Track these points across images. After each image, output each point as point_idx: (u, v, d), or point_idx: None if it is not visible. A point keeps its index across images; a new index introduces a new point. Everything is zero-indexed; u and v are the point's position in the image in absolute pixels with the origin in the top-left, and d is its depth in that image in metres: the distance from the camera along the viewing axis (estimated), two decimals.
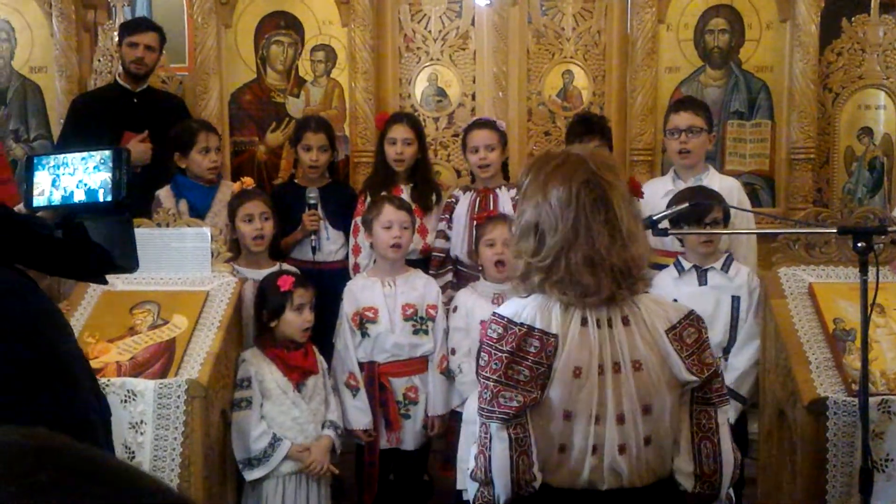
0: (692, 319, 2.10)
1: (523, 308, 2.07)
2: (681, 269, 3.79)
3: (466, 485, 3.48)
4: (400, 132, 4.43)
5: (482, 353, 2.07)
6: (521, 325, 2.03)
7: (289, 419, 3.62)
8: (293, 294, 3.65)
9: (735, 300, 3.69)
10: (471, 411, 3.56)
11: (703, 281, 3.75)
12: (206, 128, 4.50)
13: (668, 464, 2.11)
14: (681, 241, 3.85)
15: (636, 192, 3.84)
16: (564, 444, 2.04)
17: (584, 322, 2.04)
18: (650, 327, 2.07)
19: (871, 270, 2.68)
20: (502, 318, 2.07)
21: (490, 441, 2.03)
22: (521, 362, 2.01)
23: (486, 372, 2.04)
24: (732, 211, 3.76)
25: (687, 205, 3.53)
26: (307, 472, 3.62)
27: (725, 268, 3.74)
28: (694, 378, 2.05)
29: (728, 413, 2.16)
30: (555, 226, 2.04)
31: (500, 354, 2.02)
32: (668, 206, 3.65)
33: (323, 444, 3.67)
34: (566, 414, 2.02)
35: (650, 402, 2.05)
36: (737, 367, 3.65)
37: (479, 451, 2.06)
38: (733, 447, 2.13)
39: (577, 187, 2.04)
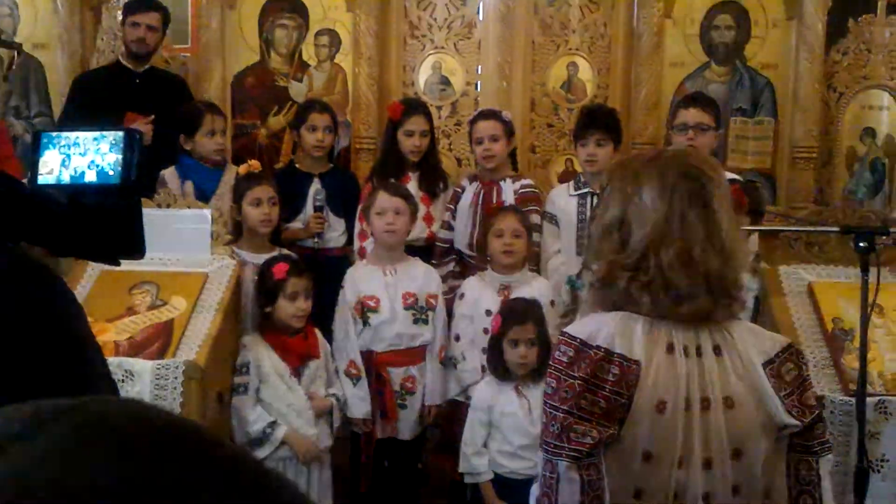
0: (792, 353, 1.84)
1: (599, 328, 1.79)
2: None
3: (468, 468, 3.52)
4: (418, 124, 4.42)
5: (549, 379, 1.81)
6: (598, 348, 1.76)
7: (284, 405, 3.62)
8: (286, 282, 3.65)
9: (757, 302, 3.64)
10: (479, 398, 3.58)
11: None
12: (213, 110, 4.49)
13: None
14: None
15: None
16: (641, 488, 1.77)
17: (669, 349, 1.78)
18: (745, 360, 1.80)
19: (872, 271, 2.68)
20: (574, 338, 1.79)
21: (557, 483, 1.76)
22: (597, 392, 1.74)
23: (555, 401, 1.76)
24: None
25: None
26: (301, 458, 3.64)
27: (752, 269, 3.71)
28: (794, 422, 1.78)
29: (830, 463, 1.88)
30: (645, 217, 1.79)
31: (571, 381, 1.75)
32: None
33: (324, 403, 3.70)
34: (646, 455, 1.75)
35: (742, 447, 1.78)
36: None
37: (543, 493, 1.79)
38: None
39: (674, 178, 1.81)
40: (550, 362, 1.82)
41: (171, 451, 0.50)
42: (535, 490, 1.86)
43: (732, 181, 3.86)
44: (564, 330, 1.86)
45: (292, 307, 3.65)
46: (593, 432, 1.72)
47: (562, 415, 1.74)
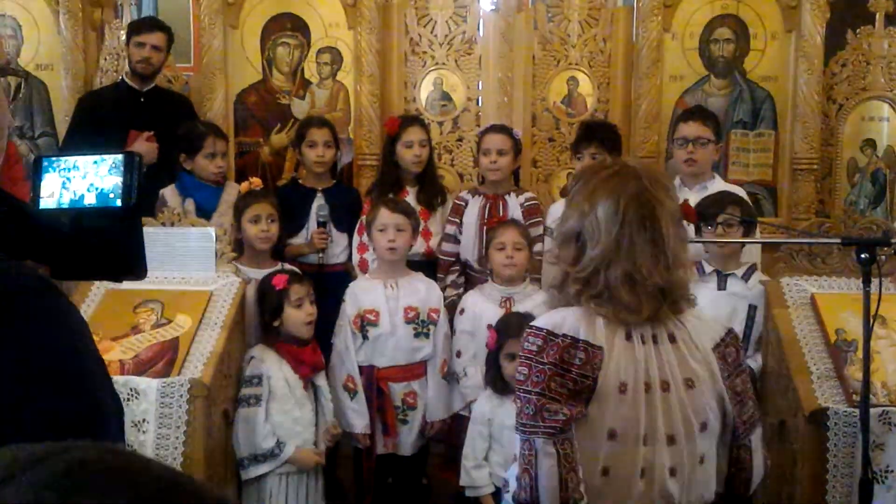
0: (733, 337, 2.07)
1: (563, 319, 1.97)
2: (701, 272, 3.77)
3: (469, 481, 3.52)
4: (416, 134, 4.46)
5: (520, 367, 1.97)
6: (565, 336, 1.94)
7: (289, 420, 3.63)
8: (289, 291, 3.68)
9: (752, 309, 3.68)
10: (479, 411, 3.59)
11: (722, 286, 3.73)
12: (215, 132, 4.52)
13: (713, 487, 2.04)
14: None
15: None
16: (609, 466, 1.93)
17: (628, 336, 1.96)
18: (698, 345, 2.01)
19: (874, 282, 2.68)
20: (541, 329, 1.96)
21: (536, 458, 1.91)
22: (565, 375, 1.91)
23: (528, 385, 1.93)
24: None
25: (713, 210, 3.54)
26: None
27: (747, 276, 3.73)
28: (729, 406, 2.01)
29: (759, 432, 2.12)
30: (597, 238, 1.97)
31: (541, 367, 1.92)
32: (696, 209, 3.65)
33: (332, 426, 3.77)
34: (611, 433, 1.92)
35: (706, 419, 1.98)
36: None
37: (523, 470, 1.93)
38: (764, 454, 2.13)
39: (626, 201, 1.96)
40: (520, 353, 2.00)
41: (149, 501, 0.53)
42: (513, 470, 2.00)
43: (729, 194, 3.89)
44: (531, 323, 2.03)
45: (301, 313, 3.68)
46: (564, 409, 1.90)
47: (535, 397, 1.91)
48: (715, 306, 3.68)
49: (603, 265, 1.96)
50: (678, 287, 2.00)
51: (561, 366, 1.91)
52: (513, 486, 2.00)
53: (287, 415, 3.63)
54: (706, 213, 3.60)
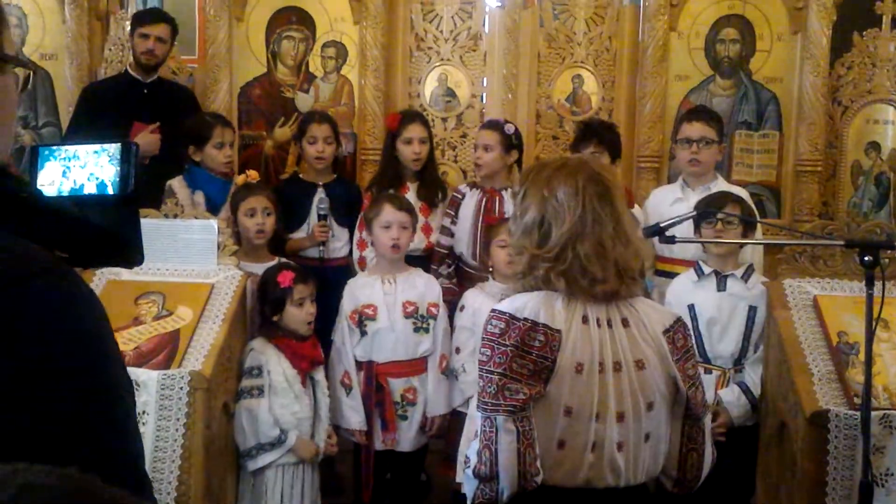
0: (681, 325, 2.21)
1: (525, 304, 2.09)
2: (700, 274, 3.75)
3: (464, 481, 3.52)
4: (416, 132, 4.45)
5: (483, 349, 2.09)
6: (525, 319, 2.05)
7: (288, 413, 3.63)
8: (293, 290, 3.68)
9: (752, 310, 3.66)
10: (475, 407, 3.58)
11: (722, 287, 3.71)
12: (222, 122, 4.51)
13: (660, 463, 2.19)
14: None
15: (630, 200, 3.85)
16: (564, 440, 2.07)
17: (584, 320, 2.09)
18: (649, 329, 2.14)
19: (877, 285, 2.68)
20: (504, 313, 2.08)
21: (496, 435, 2.03)
22: (525, 356, 2.03)
23: (490, 366, 2.05)
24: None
25: (694, 212, 3.53)
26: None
27: (746, 277, 3.71)
28: (682, 386, 2.14)
29: (709, 419, 2.29)
30: (562, 217, 2.11)
31: (503, 349, 2.04)
32: (697, 208, 3.65)
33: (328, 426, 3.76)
34: (567, 410, 2.05)
35: (653, 399, 2.12)
36: (758, 378, 3.61)
37: (484, 446, 2.06)
38: (712, 448, 2.27)
39: (583, 182, 2.13)
40: (483, 335, 2.10)
41: None
42: (473, 446, 2.11)
43: (729, 194, 3.88)
44: (493, 308, 2.14)
45: (302, 313, 3.68)
46: (525, 389, 2.02)
47: (497, 377, 2.03)
48: (715, 307, 3.67)
49: (571, 241, 2.09)
50: (633, 265, 2.14)
51: (522, 347, 2.03)
52: (473, 461, 2.09)
53: (285, 409, 3.62)
54: (705, 211, 3.59)
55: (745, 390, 3.60)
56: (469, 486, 2.13)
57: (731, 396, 3.59)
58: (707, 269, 3.74)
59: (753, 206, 4.17)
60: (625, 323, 2.13)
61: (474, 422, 3.50)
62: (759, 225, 4.18)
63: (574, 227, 2.10)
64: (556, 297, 2.11)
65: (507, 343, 2.04)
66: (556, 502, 2.10)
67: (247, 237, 4.07)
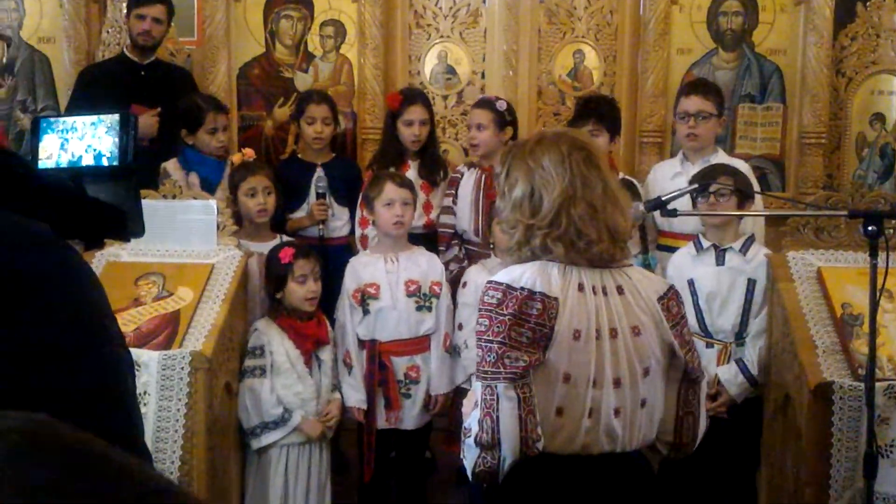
0: (675, 293, 2.24)
1: (521, 274, 2.11)
2: (699, 248, 3.72)
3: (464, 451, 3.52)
4: (417, 113, 4.42)
5: (481, 319, 2.10)
6: (522, 289, 2.07)
7: (291, 393, 3.63)
8: (293, 266, 3.68)
9: (751, 283, 3.63)
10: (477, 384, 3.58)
11: (720, 261, 3.68)
12: (216, 108, 4.48)
13: (655, 428, 2.21)
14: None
15: (613, 166, 3.84)
16: (562, 406, 2.09)
17: (580, 288, 2.11)
18: (644, 296, 2.17)
19: (881, 255, 2.65)
20: (500, 283, 2.10)
21: (497, 402, 2.04)
22: (524, 324, 2.04)
23: (489, 335, 2.06)
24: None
25: (696, 185, 3.51)
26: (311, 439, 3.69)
27: (744, 249, 3.67)
28: (679, 351, 2.17)
29: (706, 386, 2.35)
30: (552, 184, 2.13)
31: (502, 318, 2.05)
32: (692, 182, 3.63)
33: (337, 403, 3.77)
34: (566, 377, 2.07)
35: (649, 365, 2.15)
36: (759, 354, 3.59)
37: (485, 414, 2.06)
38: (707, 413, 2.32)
39: (567, 149, 2.16)
40: (480, 306, 2.12)
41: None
42: (474, 415, 2.10)
43: (723, 166, 3.85)
44: (490, 279, 2.15)
45: (302, 290, 3.67)
46: (524, 357, 2.03)
47: (496, 346, 2.04)
48: (714, 282, 3.64)
49: (564, 206, 2.12)
50: (622, 227, 2.18)
51: (520, 316, 2.04)
52: (474, 429, 2.09)
53: (289, 389, 3.63)
54: (705, 184, 3.56)
55: (743, 368, 3.58)
56: (470, 456, 2.13)
57: (729, 374, 3.58)
58: (706, 244, 3.71)
59: (753, 178, 4.14)
60: (619, 290, 2.14)
61: (474, 393, 3.53)
62: (760, 197, 4.15)
63: (565, 192, 2.12)
64: (551, 267, 2.12)
65: (505, 312, 2.05)
66: (554, 469, 2.12)
67: (249, 217, 4.05)
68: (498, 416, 2.04)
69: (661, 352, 2.17)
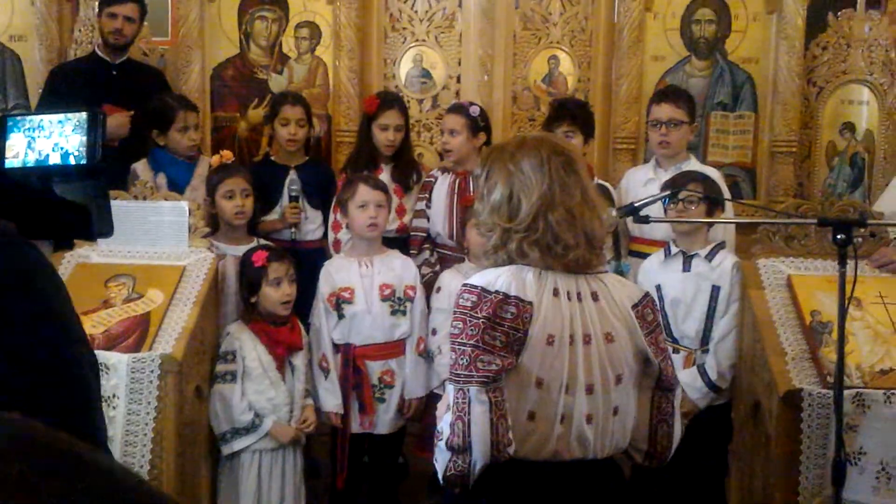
0: (649, 300, 2.24)
1: (496, 277, 2.10)
2: (668, 254, 3.77)
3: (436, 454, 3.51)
4: (392, 118, 4.41)
5: (455, 322, 2.10)
6: (497, 292, 2.06)
7: (264, 399, 3.60)
8: (267, 269, 3.65)
9: (715, 290, 3.67)
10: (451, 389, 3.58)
11: (686, 267, 3.72)
12: (185, 105, 4.45)
13: (628, 437, 2.21)
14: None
15: (591, 172, 3.85)
16: (534, 412, 2.08)
17: (555, 293, 2.10)
18: (618, 303, 2.16)
19: (850, 264, 2.68)
20: (475, 287, 2.09)
21: (469, 406, 2.04)
22: (498, 328, 2.04)
23: (462, 338, 2.06)
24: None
25: (668, 192, 3.53)
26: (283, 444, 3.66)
27: (710, 256, 3.71)
28: (653, 358, 2.17)
29: (679, 395, 2.31)
30: (530, 188, 2.13)
31: (476, 321, 2.04)
32: (663, 190, 3.65)
33: (311, 409, 3.74)
34: (538, 381, 2.07)
35: (622, 373, 2.14)
36: (718, 360, 3.63)
37: (457, 417, 2.05)
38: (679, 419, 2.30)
39: (547, 153, 2.16)
40: (455, 309, 2.12)
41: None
42: (446, 419, 2.09)
43: (692, 172, 3.89)
44: (465, 282, 2.16)
45: (277, 293, 3.65)
46: (497, 361, 2.03)
47: (469, 349, 2.04)
48: (679, 288, 3.68)
49: (542, 210, 2.12)
50: (599, 234, 2.19)
51: (494, 320, 2.04)
52: (446, 432, 2.08)
53: (261, 395, 3.60)
54: (677, 190, 3.59)
55: (703, 373, 3.62)
56: (441, 459, 2.11)
57: (689, 379, 3.61)
58: (674, 250, 3.76)
59: (724, 185, 4.18)
60: (594, 296, 2.14)
61: (447, 396, 3.53)
62: (731, 204, 4.19)
63: (544, 196, 2.12)
64: (526, 271, 2.12)
65: (479, 315, 2.04)
66: (525, 475, 2.12)
67: (226, 219, 4.02)
68: (469, 420, 2.03)
69: (634, 359, 2.17)
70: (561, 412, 2.09)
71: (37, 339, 1.13)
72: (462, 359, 2.05)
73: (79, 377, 1.18)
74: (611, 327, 2.14)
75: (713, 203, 3.68)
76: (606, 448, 2.16)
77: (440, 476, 2.14)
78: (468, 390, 2.04)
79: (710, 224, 3.77)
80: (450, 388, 2.11)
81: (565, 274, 2.14)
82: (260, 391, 3.60)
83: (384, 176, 4.38)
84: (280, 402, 3.64)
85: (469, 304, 2.07)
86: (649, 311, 2.21)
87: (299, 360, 3.75)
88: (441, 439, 2.11)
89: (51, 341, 1.16)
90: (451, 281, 3.93)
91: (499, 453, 2.04)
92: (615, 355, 2.13)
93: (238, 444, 3.57)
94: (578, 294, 2.13)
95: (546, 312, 2.07)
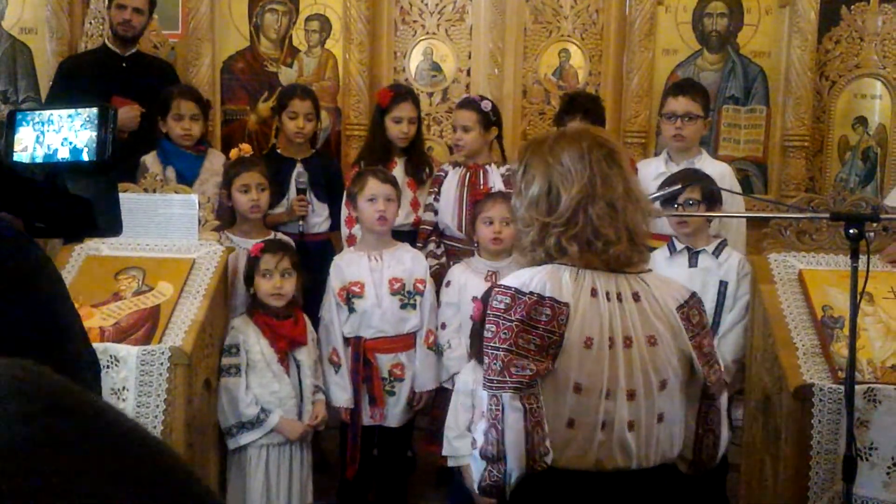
0: (697, 301, 2.12)
1: (531, 278, 2.00)
2: (673, 250, 3.76)
3: (451, 451, 3.51)
4: (406, 111, 4.41)
5: (488, 325, 2.00)
6: (531, 293, 1.97)
7: (268, 392, 3.59)
8: (259, 260, 3.65)
9: (722, 285, 3.66)
10: (463, 381, 3.57)
11: (693, 263, 3.72)
12: (182, 94, 4.43)
13: (676, 446, 2.09)
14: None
15: (632, 167, 3.77)
16: (573, 419, 1.98)
17: (593, 293, 2.00)
18: (661, 303, 2.05)
19: (862, 259, 2.66)
20: (509, 288, 2.00)
21: (503, 413, 1.94)
22: (532, 331, 1.94)
23: (495, 342, 1.96)
24: (724, 196, 3.74)
25: (680, 186, 3.51)
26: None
27: (717, 252, 3.71)
28: (698, 365, 2.04)
29: (726, 398, 2.19)
30: (570, 181, 2.03)
31: (509, 324, 1.95)
32: (660, 189, 3.64)
33: (321, 405, 3.71)
34: (576, 387, 1.97)
35: (666, 377, 2.03)
36: (722, 354, 3.62)
37: (490, 425, 1.96)
38: (728, 423, 2.23)
39: (588, 145, 2.06)
40: (488, 311, 2.02)
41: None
42: (480, 426, 2.01)
43: (692, 173, 3.87)
44: (498, 283, 2.09)
45: (267, 284, 3.64)
46: (531, 366, 1.93)
47: (502, 353, 1.94)
48: (687, 283, 3.65)
49: (583, 203, 2.02)
50: (642, 229, 2.09)
51: (528, 322, 1.94)
52: (480, 441, 2.00)
53: (265, 388, 3.60)
54: (667, 194, 3.57)
55: None
56: (476, 469, 2.03)
57: None
58: (679, 246, 3.75)
59: (735, 181, 4.17)
60: (635, 297, 2.03)
61: (460, 395, 3.52)
62: (742, 200, 4.17)
63: (584, 189, 2.02)
64: (563, 271, 2.02)
65: (513, 318, 1.95)
66: (565, 485, 2.01)
67: (241, 213, 4.03)
68: (503, 428, 1.93)
69: (679, 364, 2.05)
70: (601, 419, 1.98)
71: (35, 338, 1.12)
72: (495, 363, 1.96)
73: (76, 377, 1.18)
74: (653, 329, 2.02)
75: (712, 202, 3.67)
76: (652, 457, 2.04)
77: (475, 486, 2.05)
78: (501, 396, 1.94)
79: (712, 219, 3.77)
80: (483, 394, 2.02)
81: (605, 273, 2.03)
82: (263, 384, 3.59)
83: (398, 170, 4.37)
84: (285, 395, 3.62)
85: (502, 306, 1.98)
86: (695, 312, 2.09)
87: (304, 355, 3.71)
88: (475, 447, 2.03)
89: (48, 340, 1.15)
90: (460, 275, 3.92)
91: (535, 462, 1.95)
92: (658, 359, 2.02)
93: (244, 439, 3.56)
94: (618, 294, 2.02)
95: (583, 314, 1.97)
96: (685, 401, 2.08)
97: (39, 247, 1.24)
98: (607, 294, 2.01)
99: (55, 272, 1.23)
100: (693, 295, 2.12)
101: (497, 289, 2.04)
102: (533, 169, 2.10)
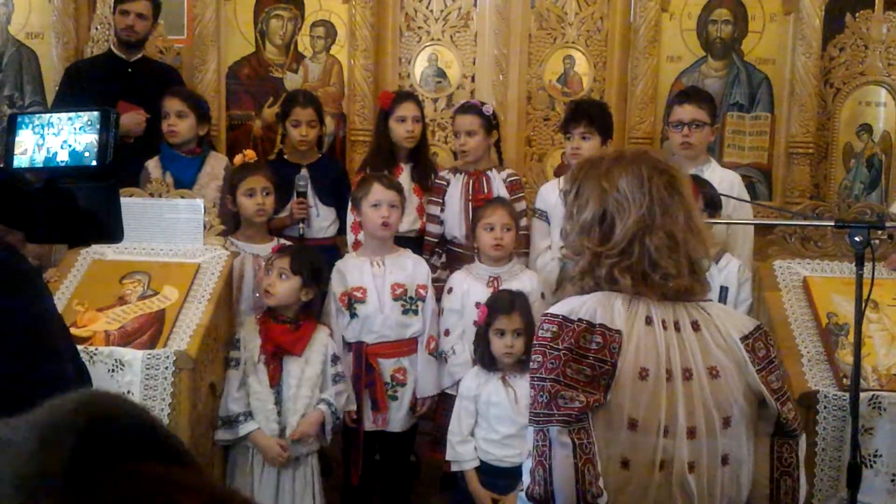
0: (762, 333, 1.94)
1: (581, 305, 1.86)
2: None
3: (454, 456, 3.51)
4: (409, 110, 4.41)
5: (534, 356, 1.86)
6: (580, 320, 1.82)
7: (250, 392, 3.56)
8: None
9: (723, 290, 3.66)
10: (466, 387, 3.57)
11: None
12: (172, 92, 4.44)
13: (744, 490, 1.89)
14: None
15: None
16: (628, 458, 1.81)
17: (648, 321, 1.86)
18: (724, 334, 1.89)
19: (867, 266, 2.66)
20: (556, 316, 1.85)
21: (550, 449, 1.78)
22: (581, 360, 1.80)
23: (541, 373, 1.82)
24: (732, 203, 3.73)
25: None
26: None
27: (717, 259, 3.70)
28: (769, 397, 1.87)
29: (804, 442, 1.96)
30: (627, 209, 1.89)
31: (556, 353, 1.81)
32: None
33: (312, 419, 3.59)
34: (631, 423, 1.80)
35: (730, 414, 1.85)
36: None
37: (538, 463, 1.80)
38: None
39: (648, 171, 1.91)
40: (535, 341, 1.88)
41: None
42: (527, 464, 1.86)
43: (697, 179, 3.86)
44: (546, 311, 1.92)
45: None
46: (581, 397, 1.77)
47: (549, 384, 1.79)
48: None
49: (639, 235, 1.88)
50: (704, 267, 1.94)
51: (577, 351, 1.80)
52: (526, 481, 1.86)
53: (249, 387, 3.56)
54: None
55: None
56: None
57: None
58: None
59: (744, 189, 4.16)
60: (695, 326, 1.88)
61: (463, 400, 3.52)
62: (750, 208, 4.17)
63: (642, 219, 1.88)
64: (615, 297, 1.87)
65: (560, 347, 1.81)
66: None
67: (247, 217, 4.04)
68: (551, 465, 1.78)
69: (745, 399, 1.86)
70: (659, 458, 1.80)
71: (16, 355, 1.12)
72: (541, 396, 1.80)
73: (55, 394, 1.18)
74: (715, 361, 1.86)
75: (714, 207, 3.66)
76: (716, 502, 1.85)
77: None
78: (548, 431, 1.78)
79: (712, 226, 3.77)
80: (529, 430, 1.87)
81: (661, 301, 1.88)
82: (249, 383, 3.57)
83: (404, 176, 4.37)
84: (264, 398, 3.53)
85: (549, 335, 1.83)
86: (761, 344, 1.90)
87: (293, 365, 3.59)
88: (522, 489, 1.90)
89: (31, 357, 1.15)
90: (462, 282, 3.93)
91: None
92: (721, 394, 1.85)
93: (219, 435, 3.52)
94: (676, 323, 1.87)
95: (638, 342, 1.82)
96: (752, 439, 1.89)
97: (29, 264, 1.24)
98: (663, 322, 1.86)
99: (41, 286, 1.23)
100: (759, 327, 1.95)
101: (544, 317, 1.89)
102: (586, 193, 1.96)
